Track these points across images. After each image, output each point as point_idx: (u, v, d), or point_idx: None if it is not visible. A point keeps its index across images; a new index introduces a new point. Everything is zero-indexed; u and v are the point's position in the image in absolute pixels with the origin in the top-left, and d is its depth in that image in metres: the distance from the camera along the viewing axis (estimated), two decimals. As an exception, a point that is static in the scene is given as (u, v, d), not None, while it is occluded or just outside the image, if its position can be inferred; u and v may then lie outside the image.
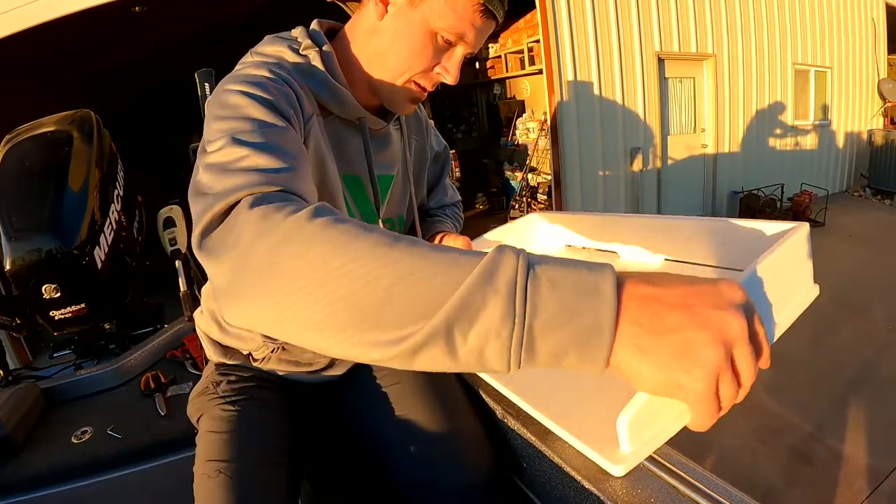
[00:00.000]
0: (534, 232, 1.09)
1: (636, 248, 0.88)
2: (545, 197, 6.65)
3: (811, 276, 0.64)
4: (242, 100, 0.68)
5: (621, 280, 0.42)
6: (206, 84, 4.36)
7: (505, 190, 7.82)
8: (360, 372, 1.08)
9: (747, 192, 7.22)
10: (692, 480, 0.64)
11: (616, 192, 6.45)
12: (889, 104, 10.42)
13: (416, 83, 0.83)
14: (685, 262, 0.81)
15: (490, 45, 7.68)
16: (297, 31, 0.86)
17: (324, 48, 0.83)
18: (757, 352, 0.43)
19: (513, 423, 0.89)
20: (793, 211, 7.45)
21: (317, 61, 0.82)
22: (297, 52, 0.82)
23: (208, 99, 0.72)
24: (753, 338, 0.43)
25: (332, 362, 1.04)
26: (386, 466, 1.01)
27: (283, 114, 0.69)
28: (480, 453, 0.93)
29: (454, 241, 1.03)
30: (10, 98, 5.96)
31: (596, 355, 0.40)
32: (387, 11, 0.79)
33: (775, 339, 0.57)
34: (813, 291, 0.64)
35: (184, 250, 2.15)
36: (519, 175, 7.02)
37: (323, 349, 0.45)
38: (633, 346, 0.40)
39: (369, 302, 0.42)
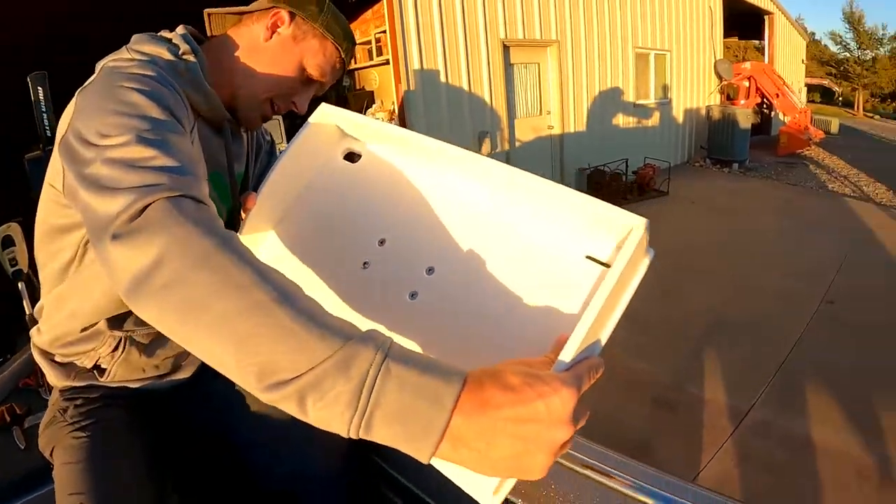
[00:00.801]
0: (331, 134, 0.87)
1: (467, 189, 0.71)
2: (398, 185, 6.73)
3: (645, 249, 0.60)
4: (141, 99, 0.67)
5: (466, 393, 0.45)
6: (40, 88, 4.08)
7: (364, 183, 7.77)
8: (207, 372, 1.01)
9: (593, 168, 7.66)
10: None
11: (466, 176, 6.59)
12: (725, 82, 11.41)
13: (272, 104, 0.94)
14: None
15: None
16: (173, 34, 0.88)
17: (199, 54, 0.87)
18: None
19: None
20: (637, 183, 8.00)
21: (194, 66, 0.85)
22: (175, 54, 0.84)
23: (88, 89, 0.71)
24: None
25: (179, 365, 1.00)
26: (249, 465, 1.04)
27: (178, 118, 0.71)
28: (334, 435, 0.90)
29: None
30: None
31: (421, 452, 0.45)
32: (271, 38, 0.91)
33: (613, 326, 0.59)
34: (647, 260, 0.62)
35: (26, 270, 1.99)
36: None
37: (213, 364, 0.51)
38: (464, 457, 0.46)
39: (251, 353, 0.47)
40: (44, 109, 4.11)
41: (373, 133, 0.83)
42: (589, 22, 7.98)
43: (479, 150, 6.67)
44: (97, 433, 0.89)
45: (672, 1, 9.63)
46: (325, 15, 0.92)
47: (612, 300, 0.55)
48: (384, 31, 6.40)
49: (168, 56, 0.82)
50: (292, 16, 0.91)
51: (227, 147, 0.94)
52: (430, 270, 0.68)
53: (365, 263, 0.72)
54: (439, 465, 0.50)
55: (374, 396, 0.45)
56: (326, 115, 0.84)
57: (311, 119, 0.85)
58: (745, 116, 10.41)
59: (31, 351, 1.82)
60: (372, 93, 7.20)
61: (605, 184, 7.55)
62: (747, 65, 12.29)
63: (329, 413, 0.46)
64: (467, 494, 0.57)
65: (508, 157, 6.97)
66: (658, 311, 4.75)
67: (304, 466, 0.99)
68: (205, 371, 1.02)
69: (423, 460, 0.46)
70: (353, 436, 0.47)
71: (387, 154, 0.81)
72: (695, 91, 10.76)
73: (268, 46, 0.91)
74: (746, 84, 11.78)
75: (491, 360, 0.51)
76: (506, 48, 7.04)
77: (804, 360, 4.01)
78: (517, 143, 7.16)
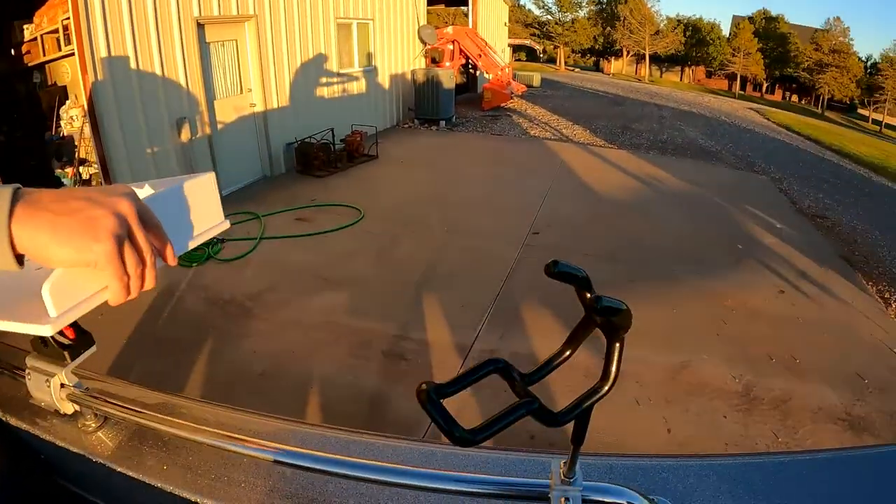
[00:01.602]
0: None
1: None
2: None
3: (220, 213, 0.80)
4: None
5: (25, 192, 0.54)
6: None
7: (59, 188, 7.19)
8: None
9: (300, 141, 8.19)
10: (154, 413, 0.80)
11: (168, 167, 6.65)
12: (430, 47, 12.65)
13: None
14: None
15: (25, 27, 6.90)
16: None
17: None
18: (159, 242, 0.61)
19: (13, 421, 0.89)
20: (346, 151, 8.77)
21: None
22: None
23: None
24: (148, 223, 0.59)
25: None
26: None
27: None
28: None
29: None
30: None
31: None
32: None
33: (186, 249, 0.72)
34: (224, 225, 0.81)
35: None
36: (70, 171, 6.66)
37: None
38: (38, 231, 0.53)
39: None
40: None
41: None
42: (288, -6, 8.20)
43: (178, 138, 6.77)
44: None
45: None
46: None
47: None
48: (69, 18, 6.02)
49: None
50: None
51: None
52: None
53: None
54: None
55: None
56: None
57: None
58: (448, 77, 11.79)
59: None
60: (65, 87, 6.71)
61: (313, 155, 8.11)
62: (450, 29, 13.74)
63: None
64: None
65: (211, 141, 7.14)
66: (375, 269, 5.17)
67: None
68: None
69: (9, 260, 0.53)
70: None
71: None
72: (400, 57, 11.78)
73: None
74: (451, 47, 13.20)
75: None
76: (200, 26, 7.04)
77: (514, 286, 4.74)
78: (219, 126, 7.31)
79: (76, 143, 6.58)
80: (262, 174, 8.06)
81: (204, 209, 0.78)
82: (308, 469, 0.73)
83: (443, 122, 11.90)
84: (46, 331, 0.59)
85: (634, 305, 0.48)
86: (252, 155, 7.91)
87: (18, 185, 0.55)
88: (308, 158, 8.09)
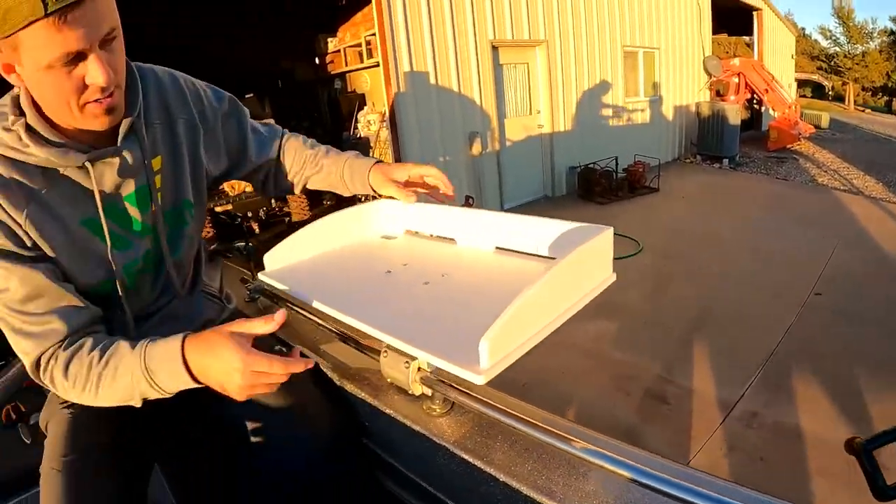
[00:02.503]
0: (377, 217, 1.19)
1: (471, 236, 1.01)
2: (390, 186, 6.77)
3: (610, 266, 0.83)
4: None
5: (184, 345, 0.82)
6: None
7: (351, 183, 7.80)
8: None
9: (584, 166, 7.71)
10: (506, 409, 0.80)
11: (458, 177, 6.66)
12: (714, 79, 11.49)
13: (85, 104, 0.83)
14: (511, 251, 0.95)
15: (329, 40, 7.71)
16: (7, 102, 0.88)
17: (28, 119, 0.86)
18: (282, 368, 0.80)
19: (350, 387, 1.03)
20: (628, 180, 8.05)
21: (25, 136, 0.84)
22: (7, 129, 0.85)
23: None
24: (272, 367, 0.80)
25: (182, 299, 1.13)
26: (235, 448, 1.12)
27: (23, 245, 0.86)
28: (323, 419, 1.05)
29: (381, 168, 1.18)
30: None
31: (184, 380, 0.83)
32: (8, 75, 0.82)
33: (568, 317, 0.78)
34: (610, 278, 0.84)
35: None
36: None
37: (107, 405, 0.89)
38: (198, 376, 0.83)
39: (112, 397, 0.87)
40: None
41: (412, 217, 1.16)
42: (577, 21, 8.02)
43: (469, 151, 6.75)
44: (83, 408, 1.00)
45: (661, -2, 9.70)
46: (5, 17, 0.73)
47: (551, 287, 0.74)
48: (374, 34, 6.46)
49: (1, 136, 0.85)
50: None
51: (99, 187, 0.93)
52: (442, 275, 0.95)
53: (388, 271, 0.98)
54: (426, 356, 0.75)
55: (148, 370, 0.82)
56: (373, 208, 1.20)
57: (359, 206, 1.19)
58: (734, 112, 10.49)
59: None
60: (363, 95, 7.25)
61: (595, 181, 7.60)
62: (736, 61, 12.38)
63: (144, 391, 0.84)
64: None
65: (499, 157, 7.04)
66: (649, 305, 4.81)
67: (292, 453, 1.04)
68: None
69: (195, 383, 0.83)
70: (157, 388, 0.83)
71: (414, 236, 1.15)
72: (684, 88, 10.83)
73: (26, 82, 0.82)
74: (736, 80, 11.87)
75: (461, 322, 0.79)
76: (495, 49, 7.09)
77: (793, 348, 4.03)
78: (508, 143, 7.21)
79: (371, 145, 6.95)
80: (544, 194, 7.82)
81: (597, 265, 0.81)
82: (667, 495, 0.67)
83: (725, 160, 10.55)
84: (479, 380, 0.67)
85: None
86: (535, 174, 7.72)
87: (187, 332, 0.84)
88: (590, 184, 7.58)
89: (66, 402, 1.04)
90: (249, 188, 6.17)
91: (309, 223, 1.21)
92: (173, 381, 0.82)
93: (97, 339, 0.88)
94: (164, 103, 1.04)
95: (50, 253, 0.88)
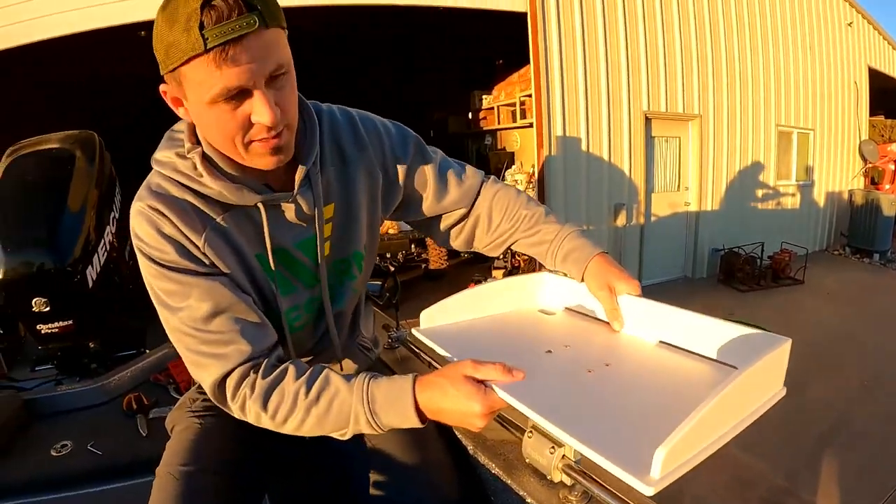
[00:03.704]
0: (538, 289, 1.13)
1: (633, 324, 0.95)
2: (531, 249, 6.76)
3: (782, 380, 0.80)
4: (171, 285, 0.84)
5: (415, 389, 0.81)
6: None
7: (491, 240, 7.85)
8: None
9: (728, 249, 7.39)
10: None
11: (599, 247, 6.53)
12: (870, 165, 10.74)
13: (251, 142, 0.81)
14: (679, 348, 0.90)
15: (483, 97, 7.92)
16: (184, 128, 0.88)
17: (203, 147, 0.85)
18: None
19: (483, 458, 1.01)
20: (772, 269, 7.61)
21: (201, 165, 0.84)
22: (183, 156, 0.86)
23: (137, 249, 0.86)
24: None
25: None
26: (354, 493, 1.09)
27: (201, 264, 0.85)
28: (450, 485, 1.02)
29: (604, 266, 1.00)
30: (20, 107, 6.17)
31: (412, 420, 0.81)
32: (177, 109, 0.82)
33: (737, 432, 0.73)
34: (781, 393, 0.80)
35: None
36: None
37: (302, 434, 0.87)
38: (433, 414, 0.81)
39: (319, 430, 0.85)
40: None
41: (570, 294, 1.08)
42: (732, 97, 7.78)
43: (613, 222, 6.64)
44: (217, 423, 1.03)
45: (817, 77, 9.22)
46: (168, 52, 0.72)
47: (730, 398, 0.68)
48: (529, 95, 6.57)
49: (180, 163, 0.85)
50: (167, 82, 0.80)
51: (269, 224, 0.91)
52: (606, 365, 0.88)
53: (548, 351, 0.92)
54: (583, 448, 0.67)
55: (372, 412, 0.81)
56: (537, 280, 1.12)
57: (522, 277, 1.12)
58: (889, 203, 9.71)
59: (165, 350, 2.02)
60: (512, 154, 7.35)
61: (738, 267, 7.26)
62: (894, 146, 11.52)
63: (363, 427, 0.83)
64: None
65: (642, 231, 6.91)
66: (779, 409, 4.44)
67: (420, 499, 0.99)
68: None
69: (420, 424, 0.82)
70: (375, 426, 0.82)
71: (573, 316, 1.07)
72: (837, 173, 10.17)
73: (193, 118, 0.82)
74: (893, 167, 11.03)
75: (625, 419, 0.73)
76: (648, 120, 7.02)
77: None
78: (652, 218, 7.08)
79: None
80: (683, 274, 7.57)
81: (771, 377, 0.77)
82: None
83: (876, 255, 9.76)
84: (647, 491, 0.60)
85: None
86: (677, 253, 7.51)
87: (416, 374, 0.84)
88: (732, 269, 7.25)
89: (197, 410, 1.06)
90: (393, 229, 6.36)
91: (461, 287, 1.15)
92: (399, 422, 0.82)
93: (300, 369, 0.85)
94: (339, 147, 0.98)
95: (227, 271, 0.87)
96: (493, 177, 1.16)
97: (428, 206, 1.10)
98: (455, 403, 0.77)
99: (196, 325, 0.83)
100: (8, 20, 4.53)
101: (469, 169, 1.13)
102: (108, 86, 7.06)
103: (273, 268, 0.93)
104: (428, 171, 1.07)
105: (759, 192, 8.36)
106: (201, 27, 0.68)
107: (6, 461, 1.43)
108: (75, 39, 4.65)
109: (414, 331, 0.99)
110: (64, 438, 1.51)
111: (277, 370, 0.85)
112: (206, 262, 0.85)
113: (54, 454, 1.45)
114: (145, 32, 5.25)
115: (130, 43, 4.86)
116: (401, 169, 1.04)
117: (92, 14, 4.61)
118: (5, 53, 4.60)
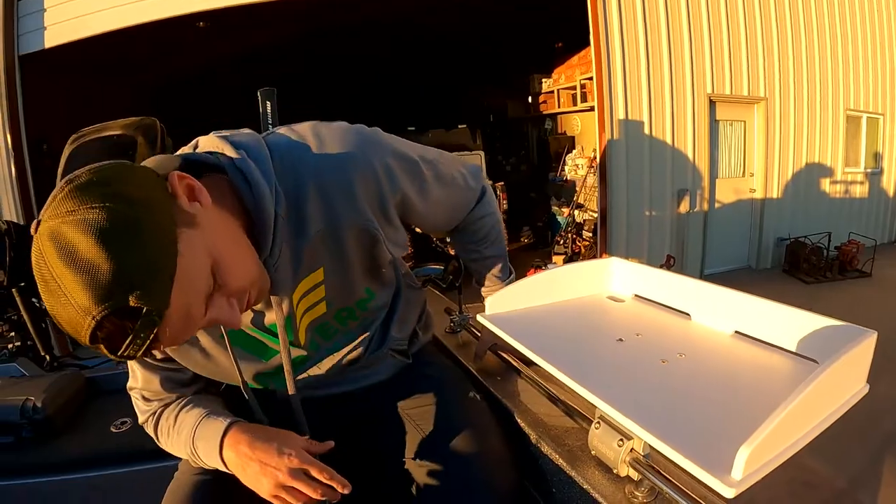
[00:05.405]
0: (607, 274, 1.11)
1: (707, 313, 0.92)
2: (590, 234, 6.68)
3: (866, 376, 0.74)
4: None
5: (228, 432, 0.89)
6: (269, 102, 4.49)
7: (550, 225, 7.86)
8: (387, 389, 1.12)
9: (794, 239, 7.16)
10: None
11: (661, 233, 6.47)
12: (943, 153, 10.22)
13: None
14: (756, 339, 0.86)
15: (543, 80, 7.78)
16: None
17: None
18: (326, 481, 0.83)
19: (546, 448, 0.97)
20: (839, 260, 7.34)
21: None
22: None
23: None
24: (316, 472, 0.83)
25: (343, 378, 1.09)
26: (408, 484, 1.03)
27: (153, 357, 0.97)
28: (508, 475, 1.00)
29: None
30: (82, 94, 6.36)
31: (216, 460, 0.90)
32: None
33: (819, 432, 0.69)
34: (864, 390, 0.75)
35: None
36: (566, 211, 7.06)
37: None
38: (232, 466, 0.89)
39: (179, 453, 0.98)
40: (270, 122, 4.48)
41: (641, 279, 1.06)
42: (799, 79, 7.45)
43: (676, 208, 6.47)
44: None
45: (888, 59, 8.76)
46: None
47: (815, 394, 0.63)
48: (590, 78, 6.43)
49: None
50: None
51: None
52: (679, 355, 0.85)
53: (620, 339, 0.90)
54: (672, 454, 0.62)
55: (195, 444, 0.92)
56: (605, 265, 1.10)
57: (590, 263, 1.11)
58: (962, 194, 9.27)
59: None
60: (573, 138, 7.23)
61: (803, 257, 7.02)
62: (969, 135, 10.95)
63: (189, 455, 0.95)
64: None
65: (706, 218, 6.73)
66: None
67: (469, 500, 0.95)
68: (384, 386, 1.13)
69: (222, 467, 0.90)
70: (203, 462, 0.94)
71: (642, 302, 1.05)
72: (909, 161, 9.72)
73: None
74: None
75: (697, 413, 0.69)
76: (712, 103, 6.80)
77: None
78: (716, 205, 6.89)
79: (577, 189, 6.86)
80: (747, 264, 7.37)
81: (855, 373, 0.71)
82: None
83: (947, 249, 9.35)
84: (728, 493, 0.58)
85: None
86: (741, 241, 7.31)
87: (232, 419, 0.92)
88: (797, 259, 7.01)
89: None
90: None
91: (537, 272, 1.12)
92: (211, 461, 0.91)
93: (186, 401, 0.98)
94: (327, 206, 0.87)
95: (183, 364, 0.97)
96: (486, 192, 1.17)
97: (429, 229, 1.18)
98: (253, 465, 0.86)
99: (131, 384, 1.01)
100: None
101: (462, 194, 1.12)
102: (164, 75, 7.23)
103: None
104: (420, 207, 1.01)
105: (826, 180, 8.03)
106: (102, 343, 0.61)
107: (70, 436, 1.48)
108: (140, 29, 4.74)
109: (479, 316, 0.99)
110: (124, 415, 1.53)
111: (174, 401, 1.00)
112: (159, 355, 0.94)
113: (114, 430, 1.49)
114: (203, 23, 5.33)
115: (188, 33, 4.95)
116: (397, 213, 0.97)
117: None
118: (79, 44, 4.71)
